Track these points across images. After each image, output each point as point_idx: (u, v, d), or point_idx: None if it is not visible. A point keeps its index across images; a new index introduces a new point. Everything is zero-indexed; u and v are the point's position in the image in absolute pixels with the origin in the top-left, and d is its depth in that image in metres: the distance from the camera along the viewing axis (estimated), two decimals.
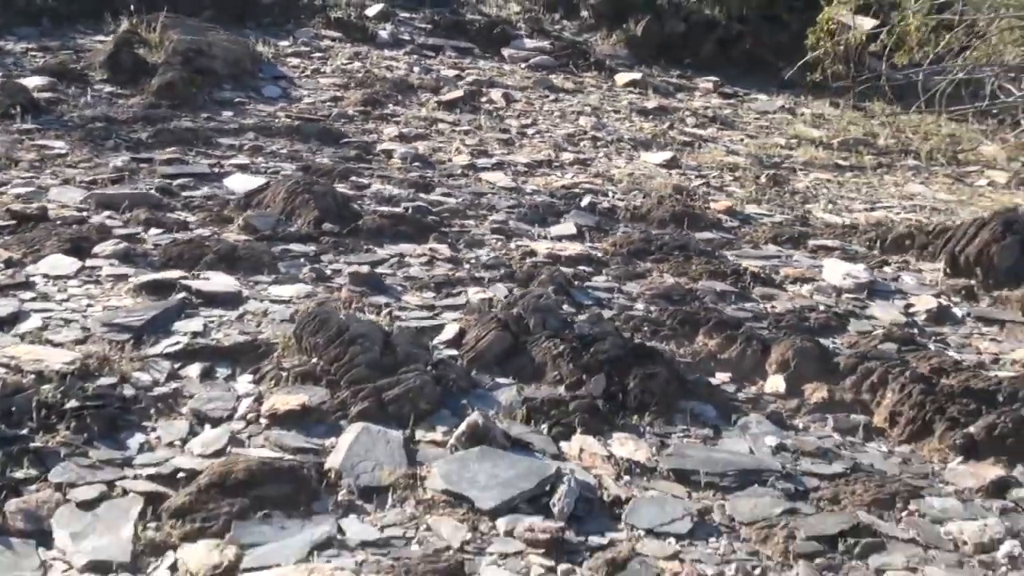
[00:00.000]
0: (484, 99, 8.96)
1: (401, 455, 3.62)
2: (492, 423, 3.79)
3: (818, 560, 3.30)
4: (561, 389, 4.14)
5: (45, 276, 4.68)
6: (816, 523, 3.49)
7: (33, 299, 4.45)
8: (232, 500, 3.27)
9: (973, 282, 5.73)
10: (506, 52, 10.70)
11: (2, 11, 9.41)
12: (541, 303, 4.53)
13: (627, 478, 3.68)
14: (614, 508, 3.50)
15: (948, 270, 5.85)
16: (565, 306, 4.82)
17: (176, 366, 4.06)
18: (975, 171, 9.07)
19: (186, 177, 6.22)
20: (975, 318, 5.36)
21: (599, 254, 5.70)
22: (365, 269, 5.00)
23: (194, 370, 4.04)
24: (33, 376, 3.76)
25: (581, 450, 3.80)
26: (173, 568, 2.99)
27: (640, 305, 5.05)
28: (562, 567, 3.16)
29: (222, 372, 4.07)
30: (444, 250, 5.46)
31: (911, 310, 5.37)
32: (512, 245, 5.70)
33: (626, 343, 4.39)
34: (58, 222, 5.26)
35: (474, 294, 4.90)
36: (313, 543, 3.15)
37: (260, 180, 6.14)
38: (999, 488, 3.76)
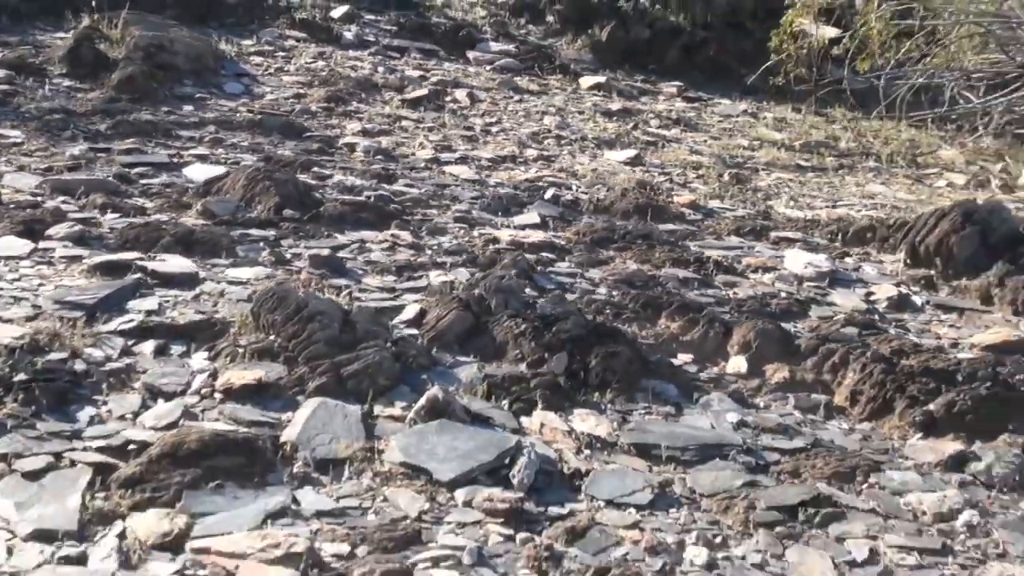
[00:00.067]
0: (448, 98, 8.93)
1: (359, 429, 3.57)
2: (452, 397, 3.75)
3: (778, 529, 3.28)
4: (523, 367, 4.11)
5: None
6: (776, 494, 3.47)
7: None
8: (184, 470, 3.20)
9: (933, 272, 5.76)
10: (471, 55, 10.69)
11: None
12: (503, 284, 4.50)
13: (587, 452, 3.65)
14: (574, 480, 3.47)
15: (908, 260, 5.88)
16: (528, 290, 4.79)
17: (129, 343, 3.98)
18: (934, 173, 9.14)
19: (144, 166, 6.14)
20: (935, 306, 5.38)
21: (562, 242, 5.68)
22: (325, 252, 4.94)
23: (148, 347, 3.97)
24: None
25: (542, 425, 3.76)
26: (121, 536, 2.92)
27: (603, 290, 5.03)
28: (521, 535, 3.12)
29: (177, 349, 4.00)
30: (406, 236, 5.42)
31: (872, 298, 5.38)
32: (475, 233, 5.67)
33: (588, 323, 4.36)
34: (11, 206, 5.17)
35: (435, 277, 4.86)
36: (267, 512, 3.09)
37: (220, 169, 6.08)
38: (958, 462, 3.76)
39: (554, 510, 3.28)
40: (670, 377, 4.25)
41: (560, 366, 4.10)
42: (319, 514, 3.13)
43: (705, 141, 9.08)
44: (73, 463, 3.22)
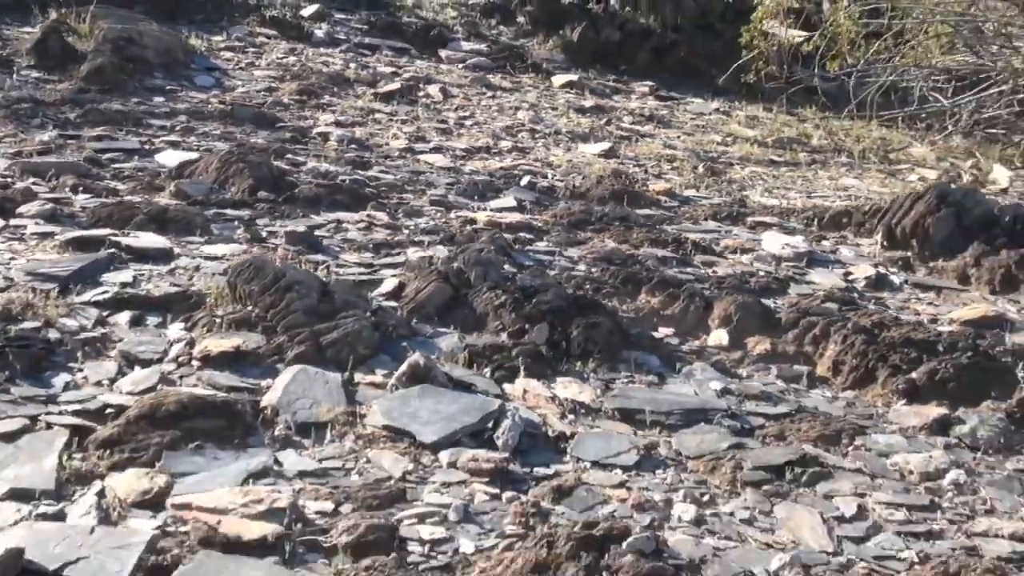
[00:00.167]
0: (422, 93, 8.88)
1: (340, 394, 3.52)
2: (433, 363, 3.70)
3: (765, 487, 3.26)
4: (503, 337, 4.07)
5: None
6: (763, 455, 3.45)
7: None
8: (162, 432, 3.15)
9: (909, 254, 5.77)
10: (443, 53, 10.64)
11: None
12: (482, 256, 4.46)
13: (571, 417, 3.61)
14: (559, 443, 3.43)
15: (885, 242, 5.89)
16: (506, 267, 4.75)
17: (104, 314, 3.92)
18: (906, 168, 9.18)
19: (115, 152, 6.06)
20: (913, 285, 5.39)
21: (540, 224, 5.64)
22: (302, 229, 4.89)
23: (123, 318, 3.90)
24: None
25: (525, 391, 3.72)
26: (100, 495, 2.85)
27: (582, 267, 5.01)
28: (507, 494, 3.08)
29: (152, 320, 3.93)
30: (382, 217, 5.37)
31: (850, 277, 5.38)
32: (452, 215, 5.63)
33: (569, 295, 4.33)
34: None
35: (413, 253, 4.82)
36: (248, 472, 3.04)
37: (193, 155, 6.00)
38: (942, 426, 3.76)
39: (540, 471, 3.25)
40: (652, 349, 4.22)
41: (541, 336, 4.06)
42: (302, 474, 3.08)
43: (678, 137, 9.08)
44: (49, 426, 3.15)
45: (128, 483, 2.91)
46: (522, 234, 5.38)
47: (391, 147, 7.05)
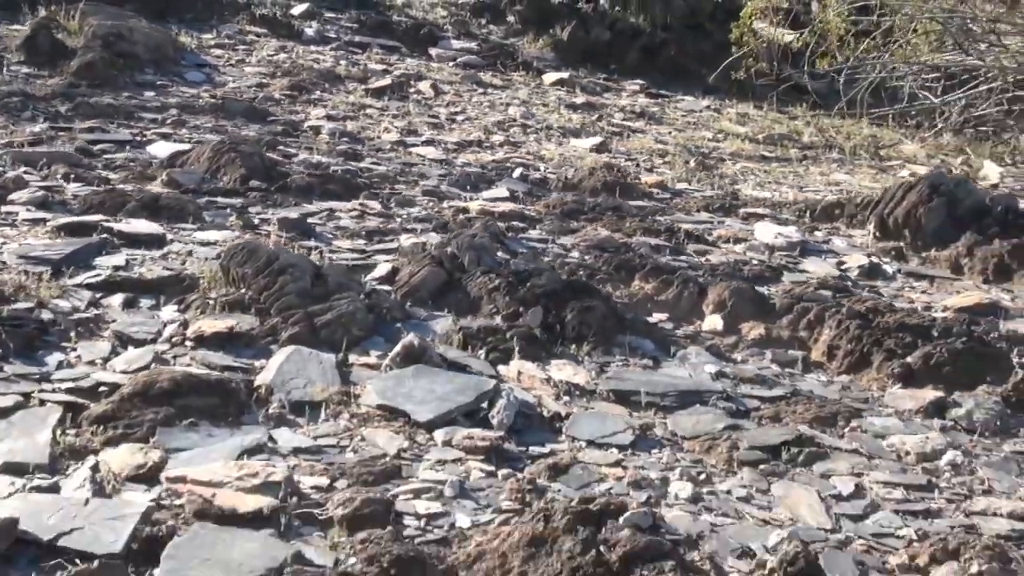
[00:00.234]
0: (413, 89, 8.87)
1: (334, 374, 3.50)
2: (428, 344, 3.69)
3: (762, 467, 3.25)
4: (498, 320, 4.05)
5: None
6: (759, 435, 3.45)
7: None
8: (156, 409, 3.13)
9: (902, 244, 5.77)
10: (433, 52, 10.63)
11: None
12: (476, 241, 4.45)
13: (566, 398, 3.60)
14: (554, 423, 3.42)
15: (877, 233, 5.89)
16: (500, 254, 4.73)
17: (97, 296, 3.90)
18: (897, 164, 9.20)
19: (107, 143, 6.03)
20: (906, 274, 5.39)
21: (532, 213, 5.63)
22: (294, 216, 4.87)
23: (116, 300, 3.89)
24: None
25: (519, 373, 3.71)
26: (95, 469, 2.83)
27: (575, 254, 5.00)
28: (502, 471, 3.07)
29: (146, 303, 3.92)
30: (375, 206, 5.36)
31: (843, 266, 5.38)
32: (444, 204, 5.62)
33: (563, 279, 4.32)
34: None
35: (406, 240, 4.80)
36: (243, 448, 3.02)
37: (185, 147, 5.98)
38: (938, 408, 3.76)
39: (535, 449, 3.24)
40: (646, 333, 4.21)
41: (535, 319, 4.05)
42: (296, 451, 3.06)
43: (670, 133, 9.08)
44: (42, 402, 3.13)
45: (122, 458, 2.89)
46: (515, 223, 5.37)
47: (383, 140, 7.04)
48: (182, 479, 2.78)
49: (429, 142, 7.16)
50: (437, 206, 5.58)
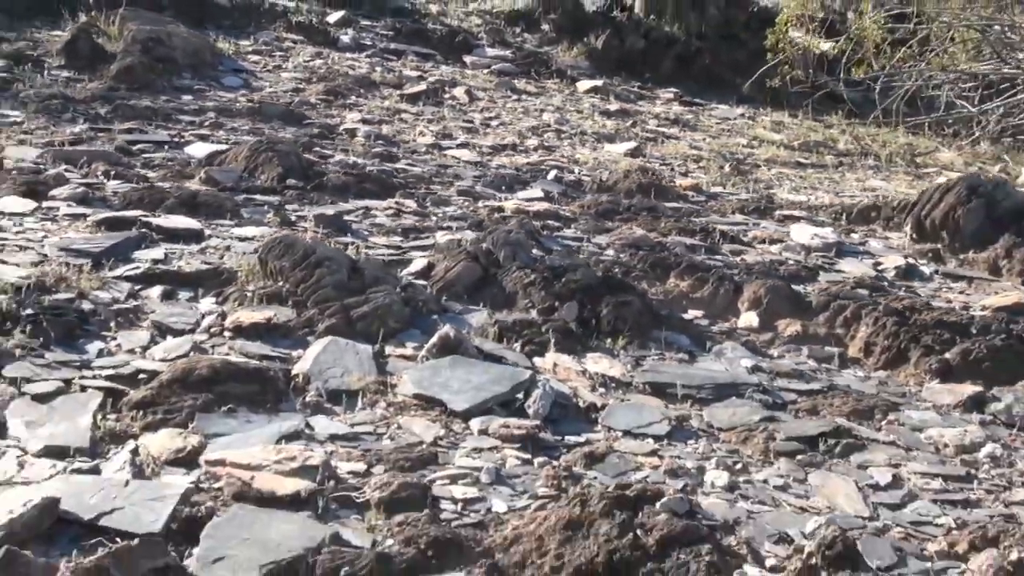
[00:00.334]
0: (447, 95, 8.91)
1: (370, 364, 3.52)
2: (464, 336, 3.70)
3: (799, 457, 3.23)
4: (533, 314, 4.06)
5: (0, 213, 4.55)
6: (796, 427, 3.43)
7: None
8: (195, 395, 3.16)
9: (939, 246, 5.72)
10: (468, 59, 10.68)
11: None
12: (511, 237, 4.46)
13: (602, 390, 3.60)
14: (589, 413, 3.43)
15: (914, 235, 5.85)
16: (535, 251, 4.74)
17: (136, 288, 3.94)
18: (933, 172, 9.14)
19: (146, 143, 6.10)
20: (943, 275, 5.35)
21: (567, 213, 5.64)
22: (331, 212, 4.90)
23: (155, 292, 3.92)
24: None
25: (555, 365, 3.71)
26: (135, 453, 2.86)
27: (610, 252, 5.00)
28: (538, 459, 3.07)
29: (184, 295, 3.95)
30: (410, 204, 5.38)
31: (880, 267, 5.34)
32: (479, 204, 5.64)
33: (599, 275, 4.32)
34: (13, 171, 5.12)
35: (442, 237, 4.82)
36: (281, 434, 3.04)
37: (222, 147, 6.04)
38: (977, 403, 3.73)
39: (571, 439, 3.24)
40: (682, 329, 4.21)
41: (571, 314, 4.05)
42: (333, 438, 3.08)
43: (704, 139, 9.07)
44: (83, 388, 3.17)
45: (162, 442, 2.91)
46: (550, 222, 5.38)
47: (418, 143, 7.08)
48: (221, 462, 2.80)
49: (464, 145, 7.19)
50: (472, 205, 5.60)
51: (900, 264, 5.34)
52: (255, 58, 9.23)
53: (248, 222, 4.83)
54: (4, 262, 3.95)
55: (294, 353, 3.55)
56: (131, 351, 3.45)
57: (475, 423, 3.23)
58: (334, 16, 11.09)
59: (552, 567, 2.53)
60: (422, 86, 8.92)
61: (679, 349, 4.02)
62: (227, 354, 3.48)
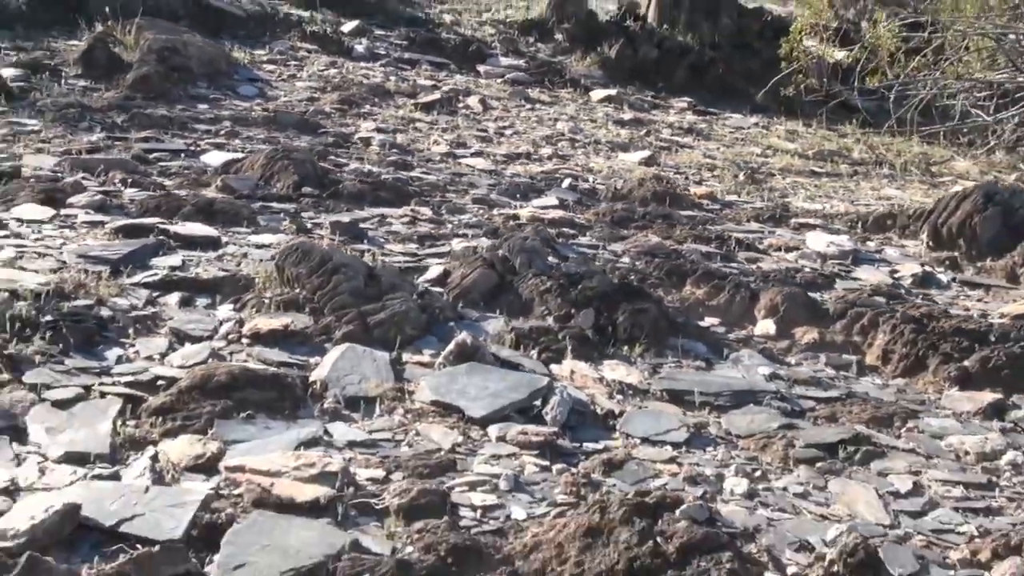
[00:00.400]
0: (461, 104, 8.93)
1: (388, 371, 3.52)
2: (481, 343, 3.70)
3: (819, 464, 3.22)
4: (550, 321, 4.06)
5: (18, 220, 4.57)
6: (815, 434, 3.42)
7: (5, 236, 4.33)
8: (214, 401, 3.16)
9: (956, 253, 5.71)
10: (481, 68, 10.70)
11: None
12: (527, 244, 4.46)
13: (619, 397, 3.59)
14: (607, 420, 3.42)
15: (931, 242, 5.83)
16: (550, 259, 4.73)
17: (154, 294, 3.95)
18: (948, 181, 9.11)
19: (162, 152, 6.12)
20: (960, 283, 5.33)
21: (582, 221, 5.64)
22: (347, 220, 4.91)
23: (172, 298, 3.93)
24: (7, 294, 3.63)
25: (572, 372, 3.71)
26: (154, 459, 2.86)
27: (626, 259, 5.00)
28: (557, 466, 3.06)
29: (202, 301, 3.96)
30: (426, 212, 5.39)
31: (897, 275, 5.33)
32: (494, 212, 5.64)
33: (615, 282, 4.32)
34: (32, 180, 5.14)
35: (457, 244, 4.82)
36: (299, 440, 3.04)
37: (238, 155, 6.06)
38: (997, 411, 3.72)
39: (589, 445, 3.23)
40: (698, 336, 4.20)
41: (587, 321, 4.05)
42: (352, 444, 3.08)
43: (718, 148, 9.06)
44: (103, 395, 3.17)
45: (181, 448, 2.92)
46: (565, 229, 5.38)
47: (432, 152, 7.09)
48: (240, 468, 2.80)
49: (478, 154, 7.20)
50: (487, 213, 5.61)
51: (917, 272, 5.33)
52: (270, 67, 9.25)
53: (264, 229, 4.84)
54: (24, 269, 3.97)
55: (312, 360, 3.56)
56: (149, 358, 3.46)
57: (493, 430, 3.23)
58: (348, 26, 11.12)
59: (572, 575, 2.52)
60: (436, 95, 8.94)
61: (696, 356, 4.02)
62: (245, 361, 3.48)
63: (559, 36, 12.33)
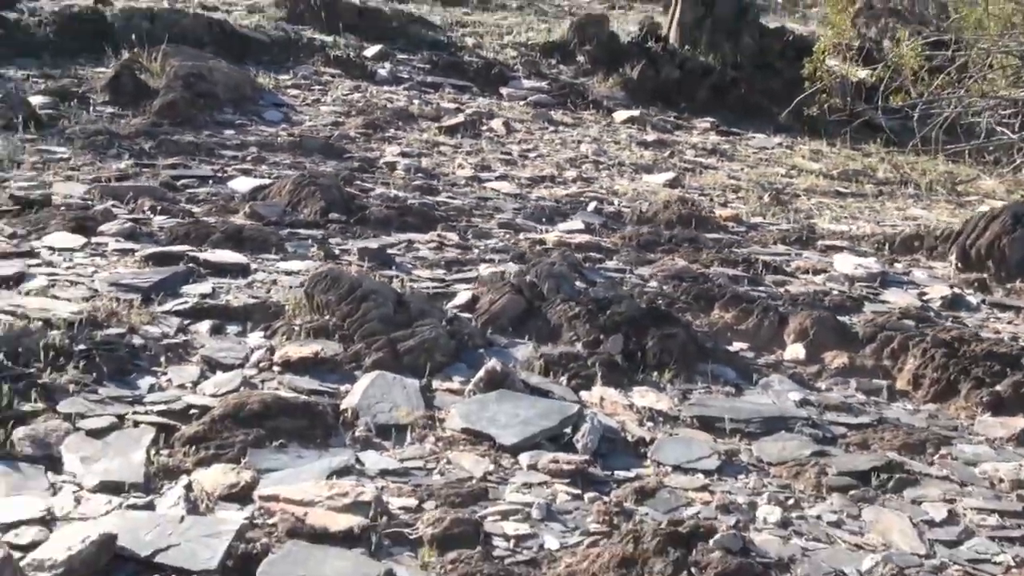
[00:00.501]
0: (485, 127, 8.96)
1: (418, 399, 3.52)
2: (510, 370, 3.70)
3: (852, 492, 3.21)
4: (578, 347, 4.06)
5: (50, 248, 4.61)
6: (847, 461, 3.40)
7: (38, 264, 4.37)
8: (247, 430, 3.17)
9: (985, 275, 5.68)
10: (504, 91, 10.74)
11: (3, 44, 9.42)
12: (555, 269, 4.47)
13: (650, 424, 3.59)
14: (638, 448, 3.41)
15: (959, 264, 5.81)
16: (578, 283, 4.74)
17: (185, 322, 3.97)
18: (975, 200, 9.07)
19: (190, 178, 6.16)
20: (990, 305, 5.30)
21: (609, 245, 5.65)
22: (374, 246, 4.93)
23: (203, 326, 3.95)
24: (40, 323, 3.66)
25: (602, 399, 3.71)
26: (188, 488, 2.87)
27: (653, 283, 5.00)
28: (589, 495, 3.06)
29: (232, 329, 3.98)
30: (452, 237, 5.41)
31: (925, 297, 5.31)
32: (520, 236, 5.65)
33: (643, 307, 4.31)
34: (62, 207, 5.19)
35: (485, 269, 4.84)
36: (332, 469, 3.05)
37: (265, 181, 6.09)
38: None
39: (620, 473, 3.23)
40: (727, 361, 4.19)
41: (616, 347, 4.04)
42: (384, 473, 3.08)
43: (742, 169, 9.06)
44: (136, 424, 3.19)
45: (215, 477, 2.93)
46: (592, 253, 5.39)
47: (457, 176, 7.11)
48: (274, 498, 2.81)
49: (503, 177, 7.22)
50: (513, 238, 5.62)
51: (946, 294, 5.30)
52: (294, 92, 9.32)
53: (293, 256, 4.86)
54: (56, 297, 4.00)
55: (342, 387, 3.57)
56: (182, 386, 3.48)
57: (524, 458, 3.23)
58: (371, 50, 11.18)
59: None
60: (460, 118, 8.97)
61: (725, 382, 4.01)
62: (276, 389, 3.49)
63: (581, 58, 12.37)
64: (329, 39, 11.35)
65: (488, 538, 2.77)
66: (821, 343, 4.37)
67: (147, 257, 4.55)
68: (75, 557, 2.45)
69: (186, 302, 4.10)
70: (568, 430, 3.39)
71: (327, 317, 4.00)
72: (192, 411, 3.30)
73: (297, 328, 3.92)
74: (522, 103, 10.42)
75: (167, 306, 4.06)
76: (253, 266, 4.65)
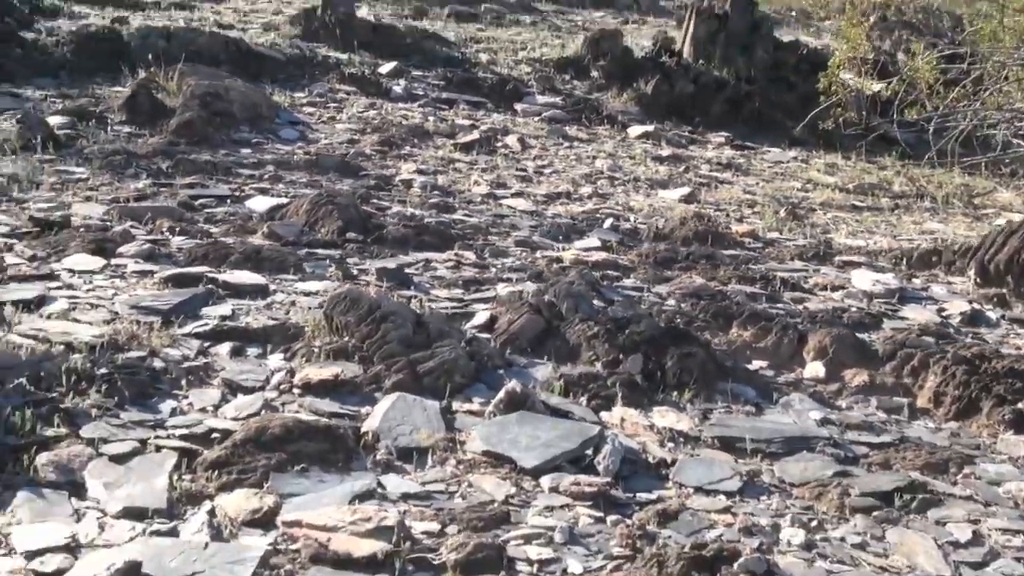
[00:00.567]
0: (500, 144, 8.97)
1: (439, 421, 3.52)
2: (530, 391, 3.70)
3: (875, 513, 3.19)
4: (598, 367, 4.05)
5: (70, 271, 4.63)
6: (870, 482, 3.39)
7: (59, 287, 4.40)
8: (269, 454, 3.17)
9: (1005, 290, 5.65)
10: (519, 107, 10.76)
11: (21, 64, 9.49)
12: (573, 289, 4.47)
13: (671, 445, 3.58)
14: (660, 469, 3.40)
15: (978, 279, 5.78)
16: (596, 302, 4.73)
17: (205, 344, 3.98)
18: (992, 213, 9.03)
19: (207, 198, 6.18)
20: (1010, 320, 5.28)
21: (626, 263, 5.64)
22: (392, 266, 4.94)
23: (224, 348, 3.96)
24: (62, 347, 3.68)
25: (622, 419, 3.70)
26: (211, 513, 2.88)
27: (671, 302, 4.99)
28: (611, 517, 3.05)
29: (252, 351, 3.99)
30: (470, 256, 5.42)
31: (944, 313, 5.28)
32: (537, 254, 5.66)
33: (662, 326, 4.31)
34: (81, 229, 5.21)
35: (503, 289, 4.84)
36: (354, 494, 3.05)
37: (283, 200, 6.11)
38: None
39: (642, 495, 3.22)
40: (747, 380, 4.18)
41: (636, 366, 4.04)
42: (406, 497, 3.08)
43: (758, 183, 9.04)
44: (158, 448, 3.20)
45: (238, 503, 2.93)
46: (609, 271, 5.39)
47: (473, 193, 7.12)
48: (298, 523, 2.82)
49: (518, 194, 7.22)
50: (531, 256, 5.62)
51: (965, 310, 5.28)
52: (310, 110, 9.35)
53: (311, 276, 4.88)
54: (77, 321, 4.02)
55: (362, 410, 3.57)
56: (203, 409, 3.48)
57: (546, 480, 3.22)
58: (386, 67, 11.22)
59: None
60: (475, 135, 8.99)
61: (746, 401, 4.00)
62: (297, 411, 3.50)
63: (595, 73, 12.38)
64: (344, 56, 11.41)
65: (511, 563, 2.77)
66: (841, 361, 4.36)
67: (166, 279, 4.57)
68: None
69: (206, 324, 4.11)
70: (589, 452, 3.38)
71: (346, 338, 4.00)
72: (214, 435, 3.30)
73: (317, 350, 3.93)
74: (537, 119, 10.43)
75: (187, 328, 4.07)
76: (272, 287, 4.66)
